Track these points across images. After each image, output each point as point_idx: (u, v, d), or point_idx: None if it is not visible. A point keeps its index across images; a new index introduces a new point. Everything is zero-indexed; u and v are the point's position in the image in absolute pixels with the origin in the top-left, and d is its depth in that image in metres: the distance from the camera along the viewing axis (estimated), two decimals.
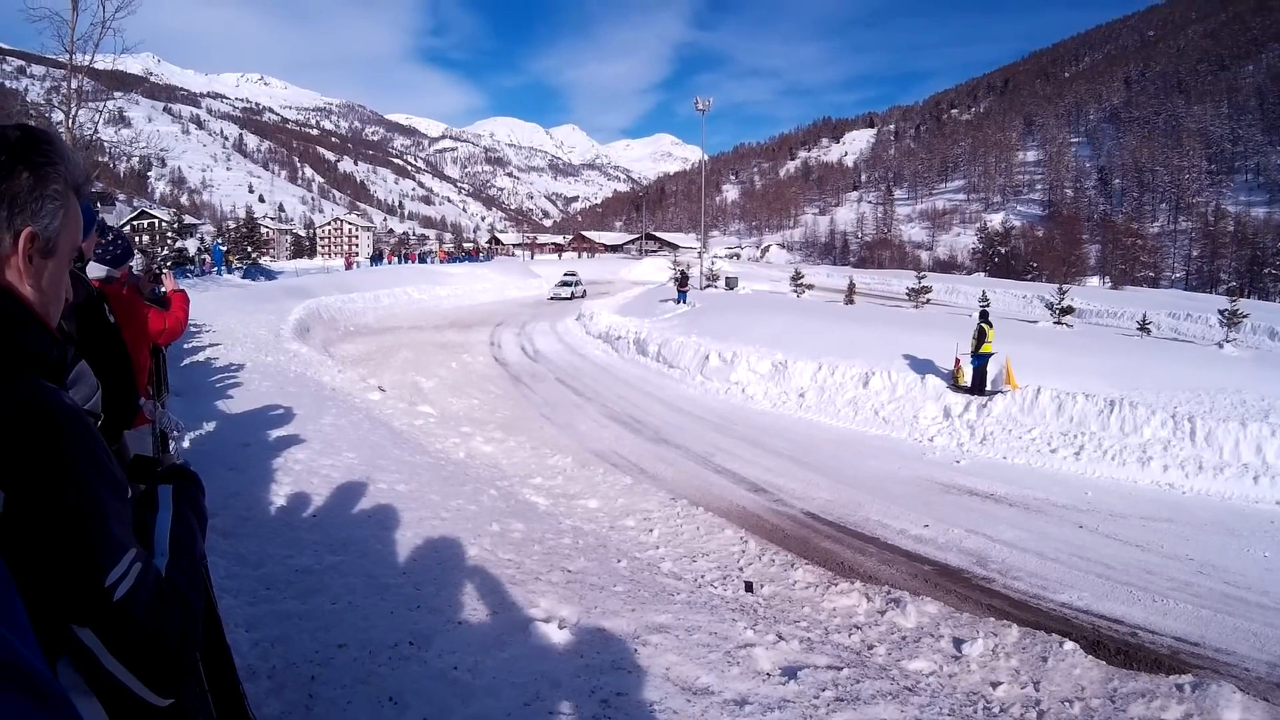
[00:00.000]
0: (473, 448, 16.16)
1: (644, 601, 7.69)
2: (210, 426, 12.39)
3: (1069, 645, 9.24)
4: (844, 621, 9.70)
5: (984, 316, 22.23)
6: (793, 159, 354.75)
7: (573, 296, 62.95)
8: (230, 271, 55.84)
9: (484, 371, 28.77)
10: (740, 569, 11.24)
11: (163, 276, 7.11)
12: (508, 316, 48.31)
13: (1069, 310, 46.66)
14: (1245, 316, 42.42)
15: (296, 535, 7.77)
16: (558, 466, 15.45)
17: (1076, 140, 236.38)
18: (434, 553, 7.72)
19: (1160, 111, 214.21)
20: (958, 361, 21.82)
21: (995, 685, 8.37)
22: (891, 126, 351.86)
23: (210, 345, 22.34)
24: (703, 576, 10.55)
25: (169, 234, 70.66)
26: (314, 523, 8.26)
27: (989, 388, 20.80)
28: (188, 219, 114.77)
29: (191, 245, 61.30)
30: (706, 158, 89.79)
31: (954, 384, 21.56)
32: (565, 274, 73.02)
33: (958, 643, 9.27)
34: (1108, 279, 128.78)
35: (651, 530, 12.30)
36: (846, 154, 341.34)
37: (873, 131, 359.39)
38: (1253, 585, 11.45)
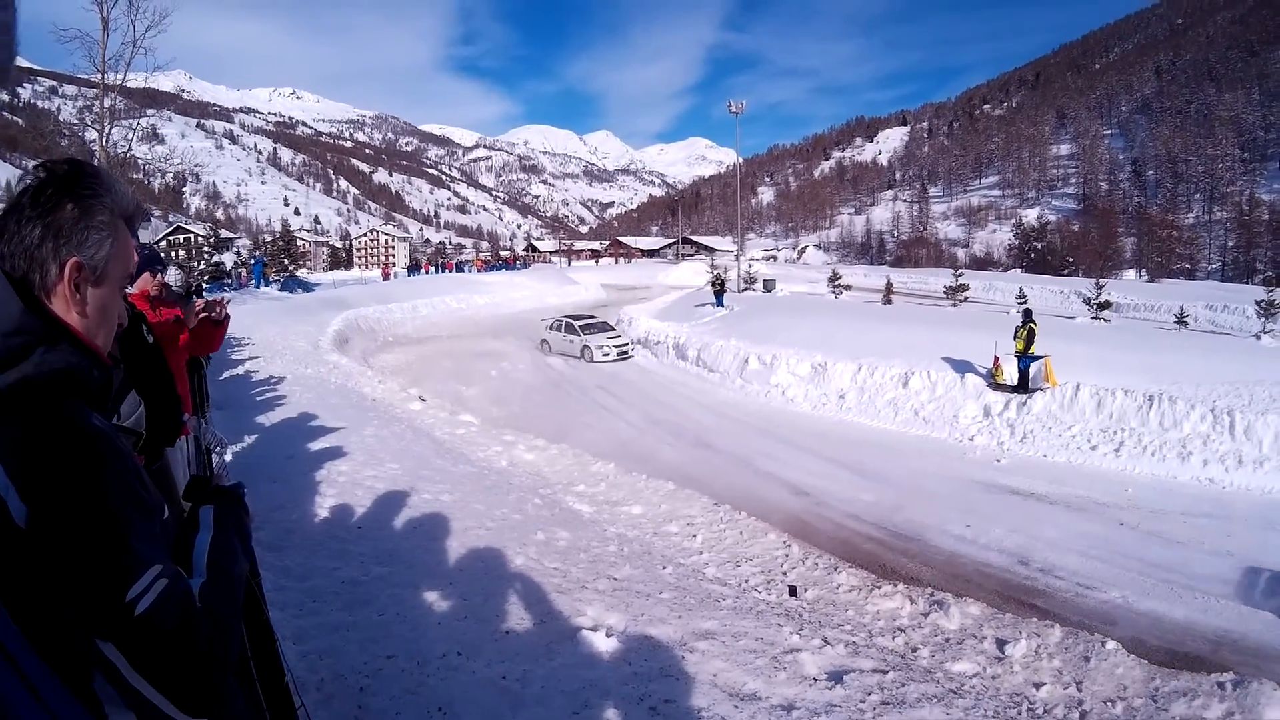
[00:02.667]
0: (515, 456, 16.21)
1: (690, 608, 7.71)
2: (252, 439, 12.50)
3: (1111, 645, 9.24)
4: (888, 624, 9.72)
5: (1028, 316, 22.15)
6: (827, 159, 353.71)
7: (583, 352, 34.28)
8: (268, 284, 56.19)
9: (524, 379, 28.88)
10: (784, 573, 11.24)
11: (222, 303, 7.19)
12: (537, 320, 48.10)
13: (1106, 305, 46.10)
14: None
15: (343, 547, 7.83)
16: (600, 473, 15.45)
17: (1109, 132, 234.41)
18: (480, 562, 7.77)
19: (1192, 100, 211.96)
20: (997, 360, 21.68)
21: (1038, 686, 8.38)
22: (925, 124, 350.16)
23: (250, 358, 22.53)
24: (747, 581, 10.56)
25: (205, 248, 71.15)
26: (359, 534, 8.31)
27: (1031, 385, 20.69)
28: (224, 233, 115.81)
29: (228, 259, 61.66)
30: (741, 160, 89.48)
31: (993, 382, 21.45)
32: (570, 321, 37.16)
33: (1000, 644, 9.29)
34: (1144, 272, 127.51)
35: (695, 536, 12.32)
36: (881, 153, 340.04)
37: (906, 129, 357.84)
38: None
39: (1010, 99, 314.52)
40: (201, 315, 6.79)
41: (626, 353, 33.62)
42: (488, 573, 7.53)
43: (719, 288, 45.45)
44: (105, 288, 1.77)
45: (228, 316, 7.32)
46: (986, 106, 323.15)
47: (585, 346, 33.69)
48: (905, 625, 9.75)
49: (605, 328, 35.80)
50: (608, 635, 6.28)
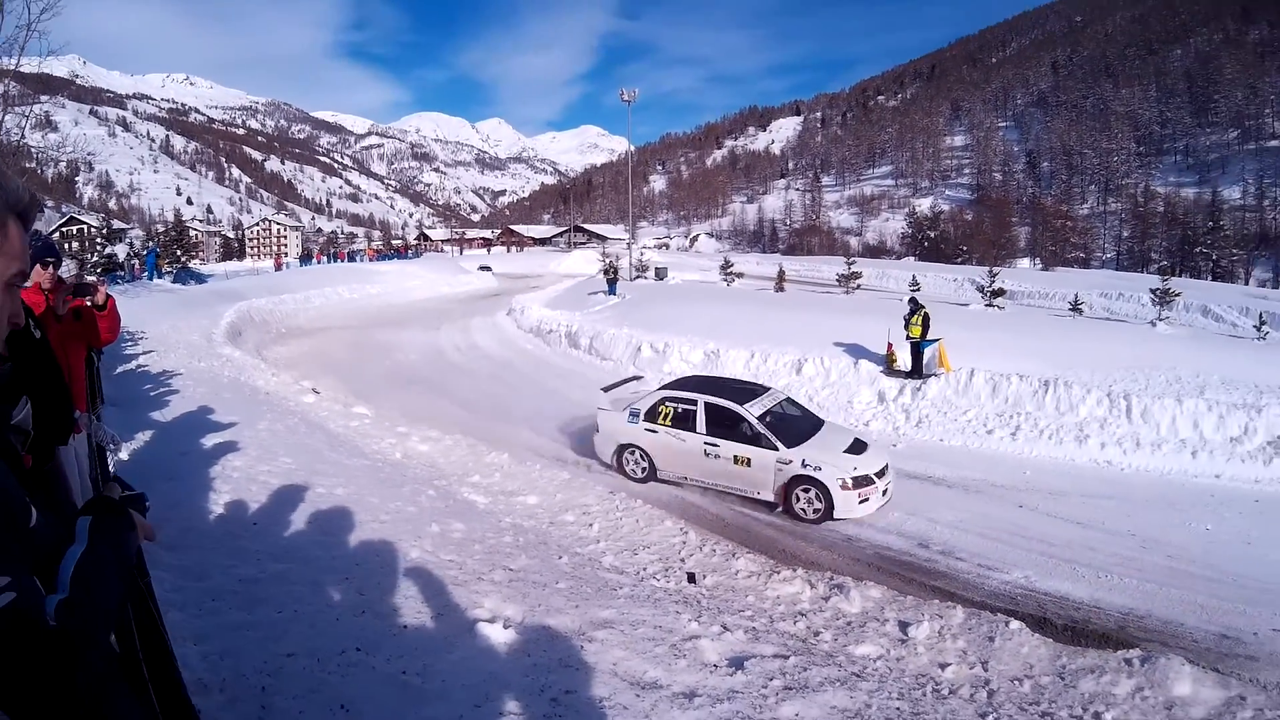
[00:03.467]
0: (409, 448, 16.12)
1: (587, 598, 7.76)
2: (147, 436, 12.27)
3: (1015, 624, 9.45)
4: (788, 609, 9.83)
5: (915, 304, 22.50)
6: (720, 148, 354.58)
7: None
8: (161, 276, 55.04)
9: (418, 369, 28.58)
10: (682, 560, 11.35)
11: (97, 286, 7.00)
12: (439, 312, 47.83)
13: (1000, 292, 46.87)
14: (1178, 295, 42.88)
15: (239, 545, 7.74)
16: (495, 463, 15.41)
17: (1004, 125, 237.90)
18: (376, 556, 7.76)
19: (1089, 95, 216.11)
20: (890, 346, 22.08)
21: (944, 666, 8.52)
22: (818, 114, 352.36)
23: (144, 353, 22.06)
24: (645, 569, 10.64)
25: (98, 239, 69.44)
26: (255, 531, 8.24)
27: (925, 371, 21.06)
28: (116, 224, 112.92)
29: (121, 250, 60.21)
30: (633, 148, 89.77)
31: (888, 368, 21.90)
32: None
33: (903, 626, 9.44)
34: (1038, 261, 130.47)
35: (591, 525, 12.35)
36: (774, 142, 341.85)
37: (799, 119, 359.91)
38: (1196, 558, 11.81)
39: (905, 90, 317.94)
40: (74, 304, 6.65)
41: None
42: (384, 567, 7.51)
43: (612, 276, 45.54)
44: None
45: (111, 300, 7.18)
46: (881, 97, 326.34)
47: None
48: (806, 610, 9.88)
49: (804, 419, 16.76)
50: (505, 627, 6.30)
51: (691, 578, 10.60)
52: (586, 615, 7.01)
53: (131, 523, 2.06)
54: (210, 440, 12.18)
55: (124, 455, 10.15)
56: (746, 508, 14.25)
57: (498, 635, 6.15)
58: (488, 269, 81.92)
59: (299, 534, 8.30)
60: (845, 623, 9.57)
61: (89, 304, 6.81)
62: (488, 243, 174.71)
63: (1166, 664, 8.49)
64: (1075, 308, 43.57)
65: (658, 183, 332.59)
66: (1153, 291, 41.61)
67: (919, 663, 8.59)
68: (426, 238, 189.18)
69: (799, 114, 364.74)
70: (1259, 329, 34.72)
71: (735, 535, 12.91)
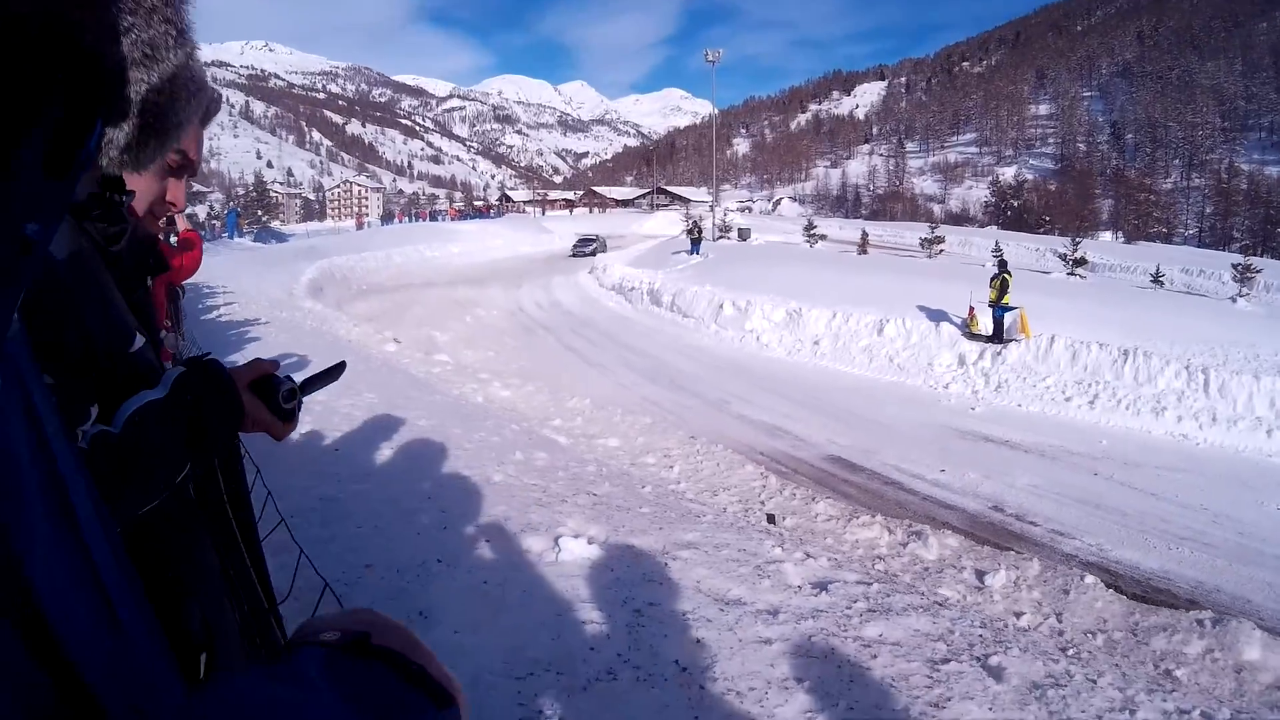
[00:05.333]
0: (490, 393, 16.19)
1: (670, 522, 7.72)
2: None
3: (1090, 579, 9.40)
4: (866, 552, 9.85)
5: (1003, 267, 22.30)
6: (803, 112, 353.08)
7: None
8: (241, 235, 55.83)
9: (499, 325, 28.83)
10: (762, 502, 11.35)
11: (176, 220, 6.99)
12: (520, 271, 47.88)
13: (1082, 262, 46.10)
14: (1258, 273, 42.24)
15: (319, 468, 7.76)
16: (576, 409, 15.46)
17: (1089, 94, 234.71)
18: (458, 479, 7.72)
19: (1174, 67, 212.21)
20: (972, 310, 21.80)
21: (1018, 615, 8.52)
22: (903, 79, 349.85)
23: (225, 304, 22.36)
24: (725, 509, 10.52)
25: None
26: (336, 456, 8.26)
27: (1005, 336, 20.79)
28: (196, 186, 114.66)
29: (201, 211, 61.17)
30: (717, 111, 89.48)
31: (968, 332, 21.59)
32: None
33: (980, 574, 9.44)
34: (1120, 234, 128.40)
35: (672, 467, 12.39)
36: (858, 106, 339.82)
37: (884, 84, 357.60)
38: (1267, 537, 11.56)
39: (990, 57, 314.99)
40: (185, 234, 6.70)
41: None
42: (466, 488, 7.49)
43: (696, 235, 45.53)
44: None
45: (198, 240, 7.18)
46: (966, 64, 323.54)
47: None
48: (884, 554, 9.90)
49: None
50: (589, 543, 6.28)
51: (771, 519, 10.57)
52: (670, 537, 6.96)
53: (233, 398, 1.78)
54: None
55: None
56: (824, 463, 14.14)
57: (581, 550, 6.12)
58: (592, 241, 61.71)
59: (381, 458, 8.30)
60: (922, 568, 9.62)
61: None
62: (570, 204, 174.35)
63: (1238, 627, 8.42)
64: (1156, 280, 42.93)
65: (741, 146, 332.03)
66: (1234, 267, 40.88)
67: (995, 610, 8.59)
68: (508, 199, 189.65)
69: (883, 79, 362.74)
70: None
71: (813, 483, 12.82)
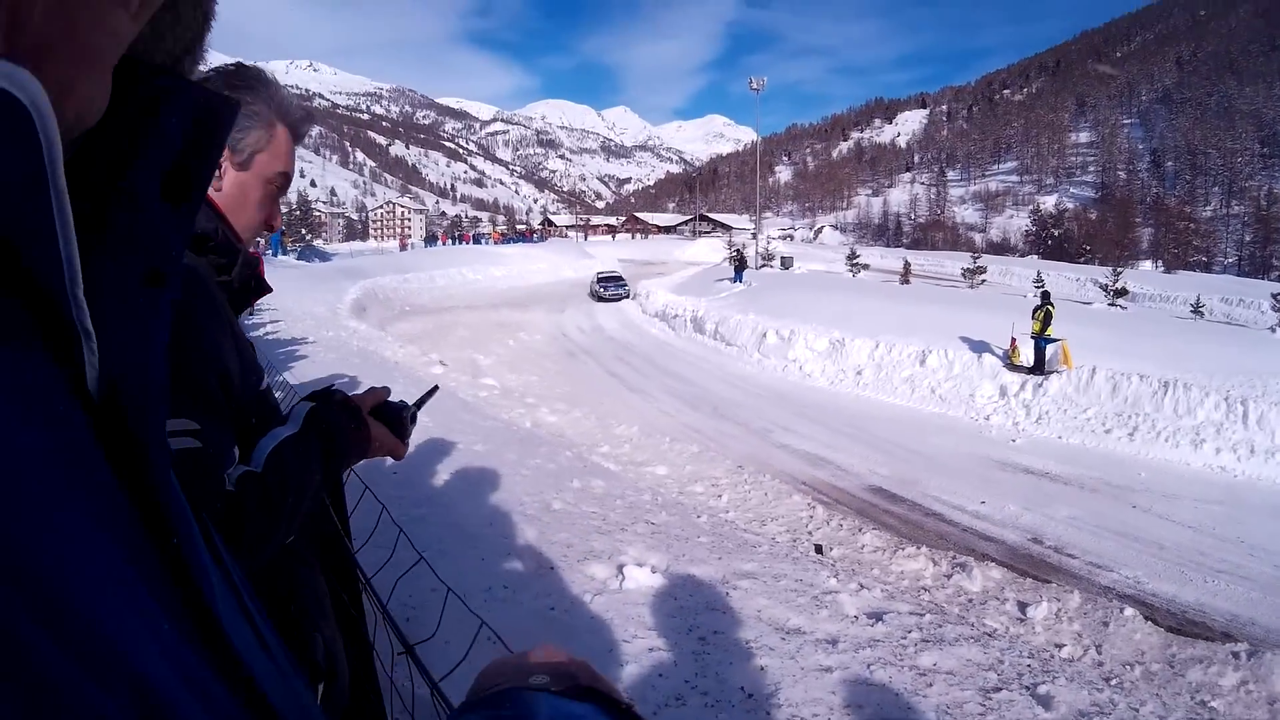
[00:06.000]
0: (538, 418, 16.34)
1: (729, 551, 7.81)
2: (280, 396, 12.53)
3: (1129, 611, 9.55)
4: (912, 584, 10.01)
5: (1046, 298, 22.29)
6: (845, 139, 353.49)
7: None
8: (285, 253, 56.28)
9: (542, 349, 28.98)
10: (809, 533, 11.50)
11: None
12: (563, 296, 48.13)
13: (1123, 292, 46.31)
14: None
15: (379, 490, 7.88)
16: (624, 436, 15.60)
17: (1129, 121, 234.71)
18: (519, 505, 7.82)
19: (1212, 93, 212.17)
20: (1014, 341, 21.79)
21: (1059, 647, 8.65)
22: (944, 107, 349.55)
23: (271, 322, 22.58)
24: (774, 539, 10.50)
25: None
26: (396, 480, 8.36)
27: (1046, 368, 20.79)
28: None
29: None
30: (760, 138, 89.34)
31: (1009, 363, 21.60)
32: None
33: (1022, 606, 9.62)
34: (1160, 263, 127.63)
35: (720, 496, 12.52)
36: (899, 134, 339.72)
37: (925, 112, 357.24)
38: None
39: (1030, 84, 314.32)
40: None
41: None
42: (526, 515, 7.59)
43: (739, 263, 45.56)
44: (247, 174, 1.83)
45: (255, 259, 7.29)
46: (1006, 91, 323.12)
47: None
48: (929, 585, 10.08)
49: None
50: (652, 571, 6.39)
51: (819, 549, 10.68)
52: (729, 566, 7.06)
53: (362, 427, 1.87)
54: None
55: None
56: (865, 493, 14.20)
57: (644, 578, 6.23)
58: (616, 283, 50.19)
59: (440, 482, 8.43)
60: (967, 599, 9.77)
61: None
62: (612, 229, 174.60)
63: (1273, 659, 8.54)
64: (1196, 310, 43.11)
65: (783, 173, 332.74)
66: (1274, 297, 40.78)
67: (1037, 641, 8.68)
68: (551, 223, 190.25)
69: (924, 106, 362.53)
70: None
71: (860, 512, 12.92)
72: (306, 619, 1.77)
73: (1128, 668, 8.46)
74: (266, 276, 1.98)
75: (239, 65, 1.82)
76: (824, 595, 6.77)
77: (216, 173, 1.73)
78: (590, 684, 0.81)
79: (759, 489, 13.08)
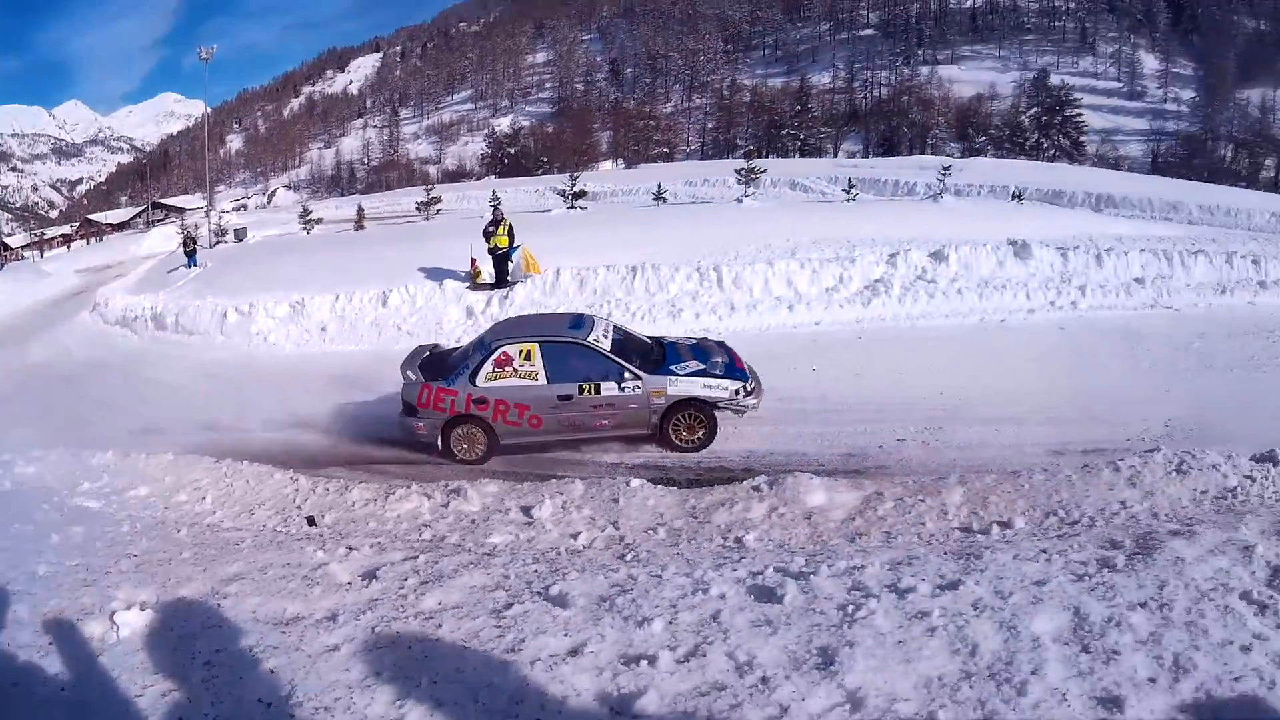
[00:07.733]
0: (14, 474, 15.30)
1: (212, 559, 7.89)
2: None
3: (636, 482, 10.34)
4: (411, 524, 10.28)
5: (496, 213, 24.07)
6: (297, 96, 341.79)
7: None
8: None
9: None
10: (298, 507, 11.56)
11: None
12: (15, 325, 43.60)
13: (582, 194, 48.43)
14: (763, 172, 46.36)
15: None
16: (100, 465, 14.48)
17: (588, 37, 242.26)
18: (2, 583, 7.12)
19: (676, 2, 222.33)
20: (474, 261, 23.49)
21: (575, 536, 9.16)
22: (398, 48, 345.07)
23: None
24: (264, 526, 10.73)
25: None
26: None
27: (510, 279, 22.12)
28: None
29: None
30: (209, 110, 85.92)
31: (473, 284, 23.22)
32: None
33: (526, 509, 10.04)
34: (621, 161, 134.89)
35: (204, 498, 12.17)
36: (352, 82, 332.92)
37: (379, 55, 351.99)
38: (809, 396, 13.70)
39: (489, 14, 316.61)
40: None
41: None
42: (13, 591, 6.90)
43: (190, 247, 44.16)
44: None
45: None
46: (463, 24, 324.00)
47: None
48: (429, 520, 10.32)
49: None
50: (143, 609, 6.33)
51: (311, 520, 10.84)
52: (215, 574, 7.18)
53: None
54: None
55: None
56: (349, 446, 14.85)
57: (137, 620, 6.16)
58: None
59: None
60: (469, 521, 10.04)
61: None
62: (67, 239, 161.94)
63: (795, 481, 9.57)
64: (659, 197, 46.44)
65: (235, 142, 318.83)
66: (737, 172, 44.45)
67: (550, 539, 9.16)
68: (7, 247, 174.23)
69: (379, 50, 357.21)
70: (848, 192, 39.28)
71: (345, 473, 13.30)
72: None
73: (650, 533, 8.99)
74: None
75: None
76: (313, 572, 7.10)
77: None
78: None
79: (241, 478, 12.92)
